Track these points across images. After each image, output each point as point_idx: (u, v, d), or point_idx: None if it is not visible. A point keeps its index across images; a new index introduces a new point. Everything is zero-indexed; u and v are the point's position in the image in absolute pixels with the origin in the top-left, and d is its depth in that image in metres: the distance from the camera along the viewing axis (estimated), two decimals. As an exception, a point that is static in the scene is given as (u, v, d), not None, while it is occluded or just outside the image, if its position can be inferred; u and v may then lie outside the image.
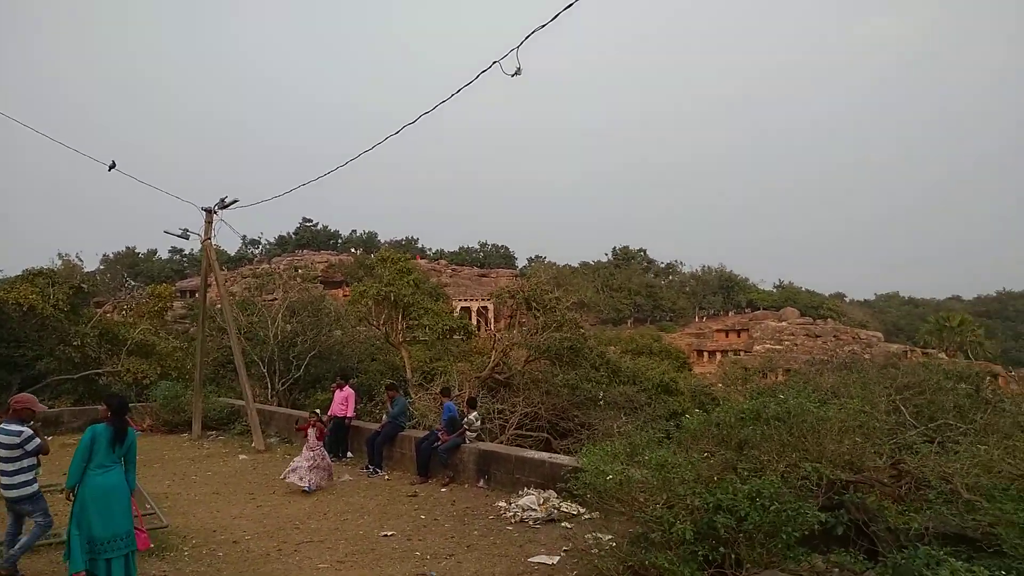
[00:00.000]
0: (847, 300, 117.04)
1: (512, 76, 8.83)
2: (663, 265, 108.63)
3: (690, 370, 43.17)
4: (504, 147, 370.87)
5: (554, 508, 10.54)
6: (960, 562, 5.45)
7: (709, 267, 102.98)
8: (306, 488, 12.25)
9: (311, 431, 12.76)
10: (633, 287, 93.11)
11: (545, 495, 11.13)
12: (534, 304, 24.80)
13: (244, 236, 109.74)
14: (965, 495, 7.08)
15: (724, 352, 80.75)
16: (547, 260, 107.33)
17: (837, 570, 7.49)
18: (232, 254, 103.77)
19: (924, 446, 9.50)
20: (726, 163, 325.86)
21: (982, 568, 5.27)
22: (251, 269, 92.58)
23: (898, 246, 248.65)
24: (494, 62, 8.90)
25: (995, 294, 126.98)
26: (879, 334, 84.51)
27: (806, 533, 6.99)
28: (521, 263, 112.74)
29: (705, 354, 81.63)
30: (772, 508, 6.90)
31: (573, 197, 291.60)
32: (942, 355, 59.39)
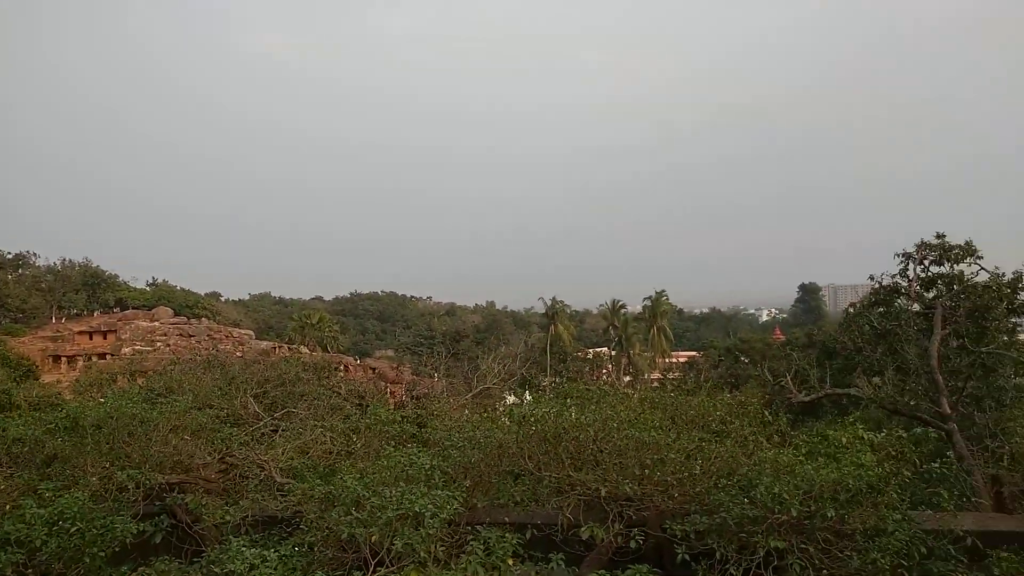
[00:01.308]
0: (223, 299, 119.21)
1: None
2: (10, 256, 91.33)
3: (37, 379, 37.01)
4: None
5: None
6: (259, 549, 5.59)
7: (71, 261, 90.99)
8: None
9: None
10: (-34, 282, 75.42)
11: None
12: None
13: None
14: (279, 479, 7.49)
15: (88, 356, 72.35)
16: None
17: (163, 580, 7.01)
18: None
19: (264, 438, 9.85)
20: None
21: (272, 551, 5.53)
22: None
23: (273, 251, 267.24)
24: None
25: (349, 295, 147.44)
26: (251, 332, 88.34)
27: (117, 549, 6.30)
28: None
29: (64, 359, 71.80)
30: (74, 530, 5.97)
31: None
32: (304, 349, 65.42)
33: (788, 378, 16.32)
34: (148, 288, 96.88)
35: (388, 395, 23.66)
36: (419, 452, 6.87)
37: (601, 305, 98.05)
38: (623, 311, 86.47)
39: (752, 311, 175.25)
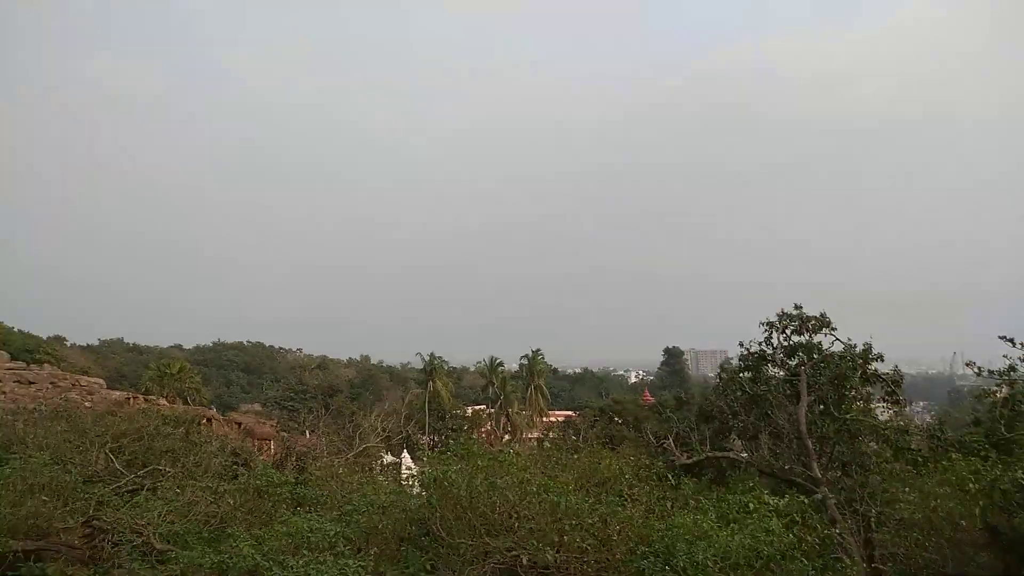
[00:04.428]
0: (68, 344, 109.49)
1: None
2: None
3: None
4: None
5: None
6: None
7: None
8: None
9: None
10: None
11: None
12: None
13: None
14: (158, 546, 6.73)
15: (-100, 404, 63.76)
16: None
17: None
18: None
19: (126, 497, 8.90)
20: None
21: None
22: None
23: (121, 291, 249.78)
24: None
25: (211, 344, 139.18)
26: (101, 380, 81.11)
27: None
28: None
29: None
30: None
31: None
32: (163, 401, 60.86)
33: (670, 440, 16.78)
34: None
35: (262, 453, 22.34)
36: (318, 517, 6.38)
37: (478, 363, 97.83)
38: (500, 369, 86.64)
39: (622, 372, 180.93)
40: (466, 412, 77.97)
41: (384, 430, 24.40)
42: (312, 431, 28.92)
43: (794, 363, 17.31)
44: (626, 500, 6.81)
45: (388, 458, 24.51)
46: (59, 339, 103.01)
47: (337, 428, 25.43)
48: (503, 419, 77.65)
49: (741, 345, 17.95)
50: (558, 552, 5.79)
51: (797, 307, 17.14)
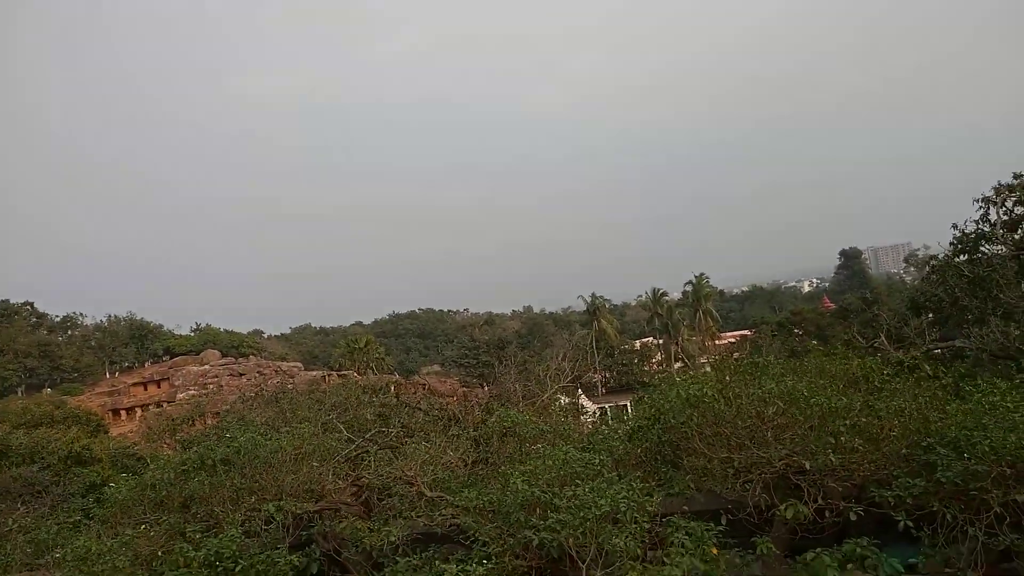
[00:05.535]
0: (266, 336, 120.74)
1: None
2: (58, 319, 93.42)
3: (107, 433, 37.61)
4: None
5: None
6: (446, 564, 5.28)
7: (116, 316, 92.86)
8: None
9: None
10: (20, 348, 77.49)
11: None
12: None
13: None
14: (429, 494, 7.14)
15: (145, 406, 73.66)
16: None
17: (313, 614, 6.73)
18: None
19: (371, 455, 9.58)
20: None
21: (455, 566, 5.18)
22: None
23: (308, 283, 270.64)
24: None
25: (387, 316, 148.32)
26: (299, 364, 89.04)
27: (279, 584, 6.02)
28: None
29: (123, 412, 73.22)
30: (239, 569, 5.72)
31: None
32: (355, 374, 65.62)
33: (882, 337, 15.69)
34: (193, 333, 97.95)
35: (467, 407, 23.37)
36: (573, 449, 6.46)
37: (640, 296, 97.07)
38: (664, 299, 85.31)
39: (793, 283, 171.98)
40: (634, 346, 77.81)
41: (570, 372, 24.79)
42: (491, 383, 30.05)
43: (1018, 236, 15.53)
44: (889, 395, 6.34)
45: (563, 399, 24.92)
46: (258, 332, 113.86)
47: (520, 375, 26.06)
48: (673, 348, 76.67)
49: (954, 227, 16.26)
50: (834, 454, 5.48)
51: (1017, 176, 15.23)
